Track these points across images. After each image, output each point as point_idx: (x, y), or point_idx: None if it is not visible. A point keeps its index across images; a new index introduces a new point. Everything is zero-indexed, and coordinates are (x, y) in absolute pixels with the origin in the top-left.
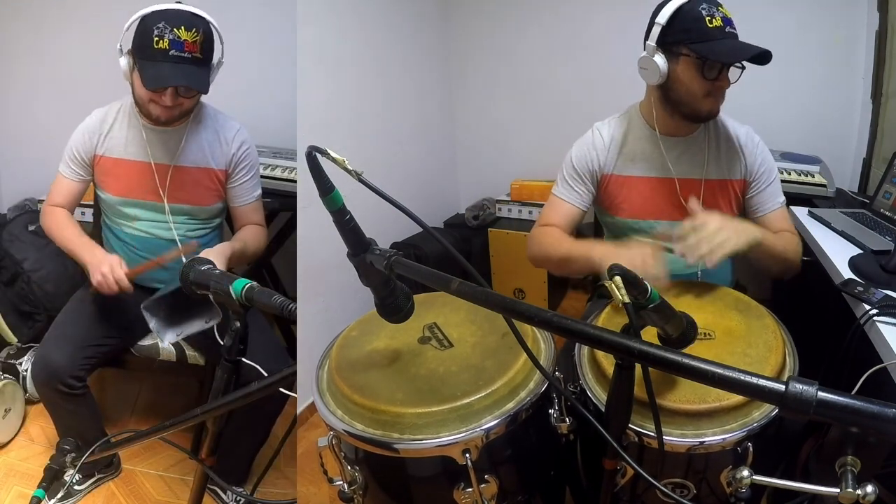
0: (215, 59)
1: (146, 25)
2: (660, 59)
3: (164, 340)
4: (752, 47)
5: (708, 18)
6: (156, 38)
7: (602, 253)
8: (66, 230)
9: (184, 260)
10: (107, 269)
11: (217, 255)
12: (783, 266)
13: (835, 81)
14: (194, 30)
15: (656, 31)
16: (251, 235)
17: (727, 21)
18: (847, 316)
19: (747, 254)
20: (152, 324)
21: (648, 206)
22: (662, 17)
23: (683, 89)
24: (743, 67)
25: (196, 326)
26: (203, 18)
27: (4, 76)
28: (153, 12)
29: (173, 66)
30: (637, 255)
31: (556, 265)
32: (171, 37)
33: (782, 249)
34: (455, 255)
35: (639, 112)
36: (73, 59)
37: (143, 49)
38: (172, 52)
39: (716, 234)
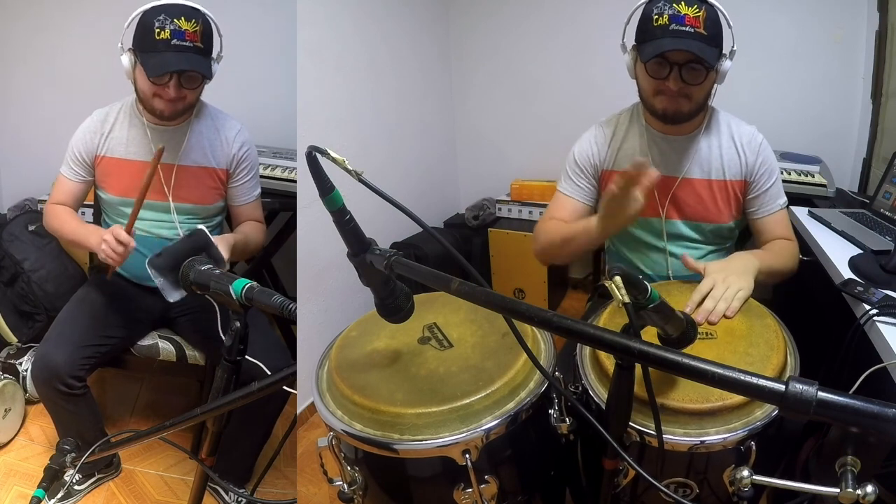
0: (215, 52)
1: (146, 20)
2: (627, 58)
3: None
4: (676, 44)
5: (655, 17)
6: (157, 30)
7: (599, 217)
8: (68, 223)
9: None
10: (109, 237)
11: (223, 241)
12: (780, 278)
13: (835, 81)
14: (194, 20)
15: (625, 30)
16: (252, 230)
17: (676, 18)
18: (847, 316)
19: None
20: (158, 282)
21: None
22: (631, 17)
23: (641, 87)
24: (707, 68)
25: None
26: (201, 11)
27: (5, 76)
28: (152, 7)
29: (175, 54)
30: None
31: (559, 249)
32: (171, 27)
33: (780, 265)
34: (455, 255)
35: (639, 109)
36: (73, 59)
37: (145, 41)
38: (174, 41)
39: (725, 292)
